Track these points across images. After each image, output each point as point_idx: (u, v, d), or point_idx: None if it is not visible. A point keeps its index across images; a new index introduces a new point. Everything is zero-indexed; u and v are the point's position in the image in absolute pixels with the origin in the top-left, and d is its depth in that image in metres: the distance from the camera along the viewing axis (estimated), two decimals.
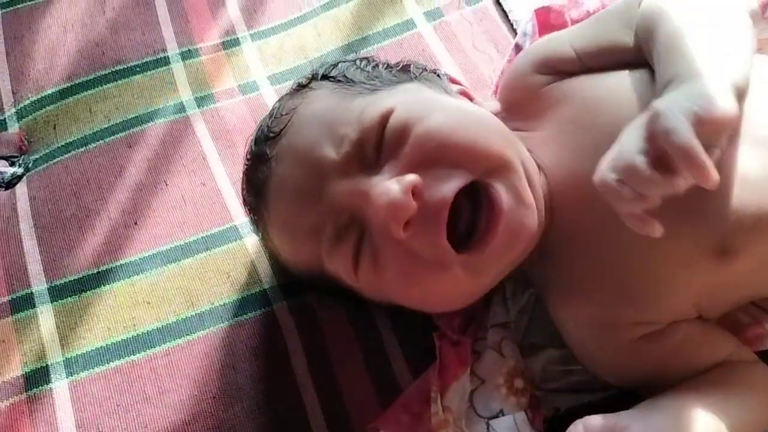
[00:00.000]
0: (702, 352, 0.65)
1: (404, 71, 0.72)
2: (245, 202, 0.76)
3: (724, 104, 0.52)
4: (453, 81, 0.76)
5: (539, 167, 0.68)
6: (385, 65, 0.74)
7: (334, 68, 0.73)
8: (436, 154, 0.61)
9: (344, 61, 0.74)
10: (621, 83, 0.67)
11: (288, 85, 0.92)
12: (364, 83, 0.68)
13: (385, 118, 0.63)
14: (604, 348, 0.66)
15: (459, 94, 0.73)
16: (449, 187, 0.60)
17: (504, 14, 0.95)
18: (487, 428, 0.66)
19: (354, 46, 0.97)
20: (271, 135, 0.68)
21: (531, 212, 0.63)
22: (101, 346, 0.77)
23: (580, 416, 0.66)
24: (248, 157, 0.73)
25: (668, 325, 0.64)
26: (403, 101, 0.64)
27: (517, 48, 0.86)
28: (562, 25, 0.83)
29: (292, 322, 0.77)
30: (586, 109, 0.68)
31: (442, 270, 0.62)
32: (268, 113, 0.74)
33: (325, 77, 0.71)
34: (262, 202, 0.70)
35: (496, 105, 0.75)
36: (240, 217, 0.84)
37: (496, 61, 0.92)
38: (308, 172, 0.64)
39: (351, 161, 0.63)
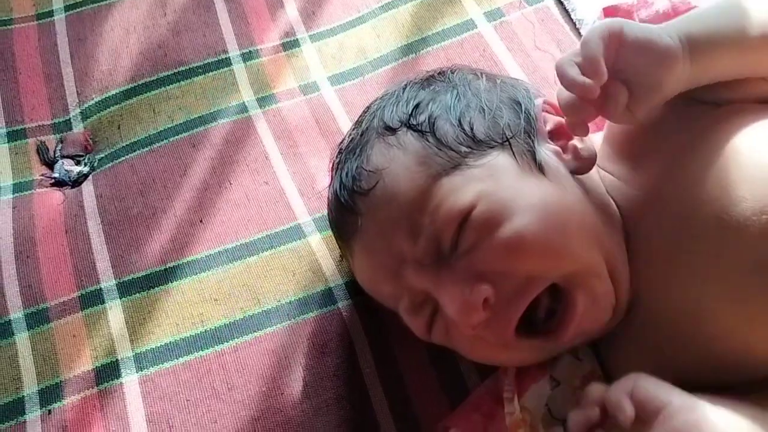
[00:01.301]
0: None
1: (495, 126, 0.67)
2: (331, 225, 0.76)
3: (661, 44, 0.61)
4: (551, 108, 0.71)
5: (629, 235, 0.66)
6: (478, 105, 0.68)
7: (422, 112, 0.68)
8: (514, 263, 0.61)
9: (433, 97, 0.69)
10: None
11: (348, 86, 0.95)
12: (451, 149, 0.64)
13: (466, 214, 0.62)
14: None
15: (556, 128, 0.69)
16: (523, 298, 0.61)
17: (566, 13, 0.95)
18: (564, 430, 0.66)
19: (414, 47, 0.97)
20: (358, 190, 0.67)
21: (606, 311, 0.64)
22: (170, 342, 0.78)
23: None
24: (336, 193, 0.70)
25: None
26: (487, 194, 0.62)
27: None
28: (628, 16, 0.81)
29: (358, 320, 0.77)
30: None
31: (511, 350, 0.65)
32: (350, 139, 0.72)
33: (413, 128, 0.67)
34: (347, 248, 0.72)
35: (593, 148, 0.69)
36: (303, 216, 0.84)
37: None
38: (388, 253, 0.65)
39: (427, 253, 0.63)
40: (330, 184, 0.74)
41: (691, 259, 0.62)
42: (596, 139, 0.78)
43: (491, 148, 0.65)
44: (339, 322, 0.77)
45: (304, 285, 0.80)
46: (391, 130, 0.68)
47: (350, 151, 0.71)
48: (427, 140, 0.66)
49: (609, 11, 0.85)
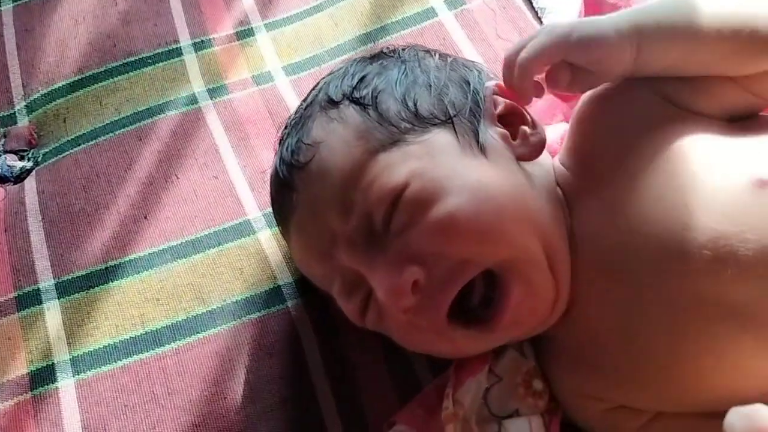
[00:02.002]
0: None
1: (440, 103, 0.64)
2: (272, 204, 0.73)
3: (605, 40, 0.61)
4: (502, 91, 0.68)
5: (573, 234, 0.63)
6: (426, 81, 0.66)
7: (366, 86, 0.65)
8: (447, 244, 0.59)
9: (380, 71, 0.67)
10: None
11: (304, 76, 0.91)
12: (392, 124, 0.62)
13: (398, 192, 0.59)
14: (582, 413, 0.65)
15: (507, 111, 0.66)
16: (454, 282, 0.58)
17: (528, 1, 0.91)
18: (499, 428, 0.62)
19: (372, 36, 0.93)
20: (295, 164, 0.64)
21: (544, 303, 0.61)
22: (109, 344, 0.74)
23: None
24: (275, 168, 0.68)
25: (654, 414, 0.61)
26: (421, 172, 0.59)
27: None
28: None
29: (308, 319, 0.74)
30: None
31: (445, 339, 0.61)
32: (296, 114, 0.69)
33: (355, 101, 0.64)
34: (284, 226, 0.69)
35: (543, 135, 0.66)
36: (253, 211, 0.81)
37: None
38: (320, 232, 0.63)
39: (359, 231, 0.60)
40: (273, 162, 0.70)
41: (631, 278, 0.59)
42: (558, 129, 0.75)
43: (433, 125, 0.63)
44: (287, 321, 0.74)
45: (251, 283, 0.76)
46: (334, 103, 0.65)
47: (294, 125, 0.68)
48: (368, 114, 0.63)
49: (591, 6, 0.81)
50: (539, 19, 0.90)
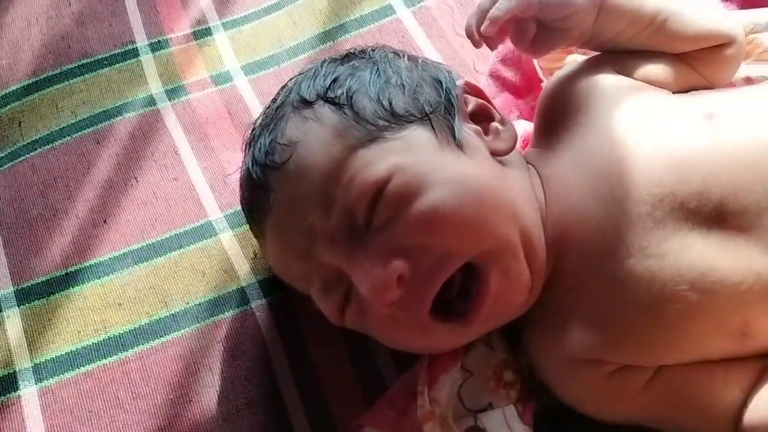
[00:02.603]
0: (702, 392, 0.61)
1: (416, 102, 0.65)
2: (243, 206, 0.72)
3: None
4: (472, 90, 0.70)
5: (546, 207, 0.66)
6: (399, 81, 0.66)
7: (339, 86, 0.66)
8: (430, 237, 0.59)
9: (351, 72, 0.67)
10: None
11: (263, 75, 0.91)
12: (369, 123, 0.62)
13: (380, 187, 0.59)
14: (580, 383, 0.64)
15: (478, 109, 0.68)
16: (438, 275, 0.59)
17: None
18: (475, 421, 0.63)
19: (331, 34, 0.93)
20: (270, 164, 0.64)
21: (521, 291, 0.62)
22: (71, 351, 0.73)
23: (571, 412, 0.64)
24: (248, 170, 0.68)
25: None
26: (402, 167, 0.60)
27: None
28: None
29: (272, 320, 0.74)
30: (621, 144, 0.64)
31: (426, 334, 0.62)
32: (267, 116, 0.69)
33: (330, 101, 0.64)
34: (259, 228, 0.68)
35: (514, 131, 0.69)
36: (215, 212, 0.80)
37: None
38: (299, 231, 0.62)
39: (340, 228, 0.61)
40: (243, 164, 0.70)
41: (604, 233, 0.62)
42: (524, 126, 0.77)
43: (410, 122, 0.63)
44: (252, 323, 0.74)
45: (214, 285, 0.76)
46: (308, 103, 0.65)
47: (264, 126, 0.68)
48: (344, 113, 0.63)
49: None
50: None
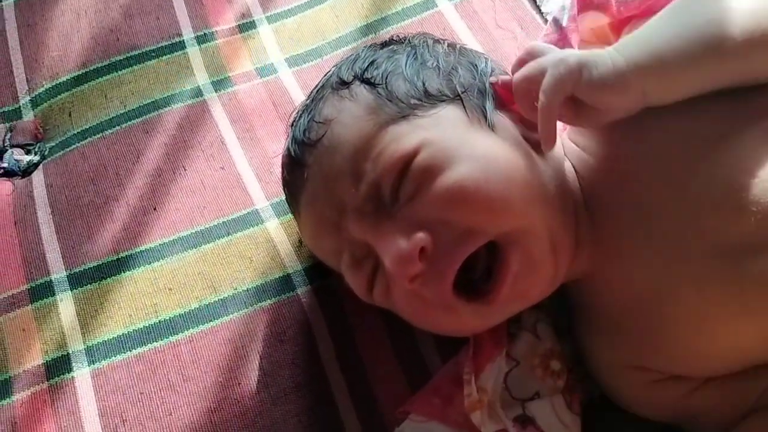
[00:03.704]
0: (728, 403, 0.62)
1: (449, 82, 0.66)
2: (283, 185, 0.74)
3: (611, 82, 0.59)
4: (503, 88, 0.68)
5: (583, 190, 0.65)
6: (435, 64, 0.67)
7: (376, 68, 0.67)
8: (454, 212, 0.60)
9: (390, 55, 0.69)
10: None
11: (306, 67, 0.92)
12: (401, 102, 0.63)
13: (408, 160, 0.60)
14: (624, 385, 0.66)
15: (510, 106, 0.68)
16: (460, 250, 0.59)
17: None
18: (523, 410, 0.64)
19: (373, 27, 0.94)
20: (307, 141, 0.66)
21: (542, 276, 0.62)
22: (123, 334, 0.75)
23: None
24: (287, 148, 0.70)
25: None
26: (430, 141, 0.61)
27: (555, 22, 0.83)
28: (605, 5, 0.77)
29: (317, 306, 0.75)
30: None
31: (450, 313, 0.62)
32: (309, 98, 0.71)
33: (366, 81, 0.66)
34: (295, 205, 0.70)
35: None
36: (261, 201, 0.82)
37: (520, 38, 0.89)
38: (330, 203, 0.64)
39: (368, 200, 0.62)
40: (285, 144, 0.72)
41: (652, 240, 0.61)
42: None
43: (442, 101, 0.64)
44: (298, 308, 0.75)
45: (261, 272, 0.78)
46: (345, 83, 0.67)
47: (305, 107, 0.70)
48: (378, 92, 0.64)
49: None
50: (538, 8, 0.91)
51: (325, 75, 0.73)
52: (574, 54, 0.61)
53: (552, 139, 0.62)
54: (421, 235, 0.59)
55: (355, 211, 0.62)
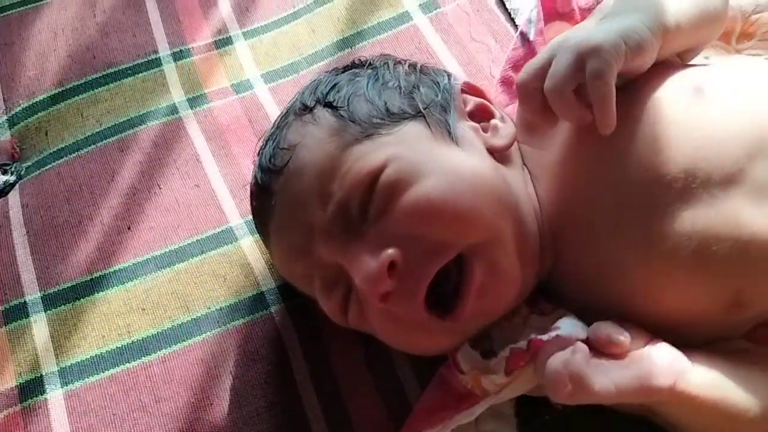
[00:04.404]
0: None
1: (411, 101, 0.66)
2: (252, 214, 0.74)
3: (650, 42, 0.60)
4: (471, 90, 0.71)
5: (540, 204, 0.66)
6: (396, 84, 0.68)
7: (338, 91, 0.68)
8: (422, 226, 0.60)
9: (351, 78, 0.69)
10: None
11: (282, 83, 0.92)
12: (364, 123, 0.64)
13: (374, 177, 0.61)
14: None
15: (477, 109, 0.69)
16: (430, 265, 0.60)
17: (501, 3, 0.93)
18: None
19: (349, 41, 0.94)
20: (273, 168, 0.66)
21: (509, 286, 0.63)
22: (96, 355, 0.75)
23: None
24: (254, 177, 0.70)
25: None
26: (396, 157, 0.61)
27: (522, 36, 0.83)
28: (570, 14, 0.79)
29: (291, 324, 0.75)
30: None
31: (424, 331, 0.62)
32: (273, 126, 0.71)
33: (328, 105, 0.67)
34: (265, 233, 0.70)
35: (513, 128, 0.69)
36: (235, 218, 0.82)
37: (495, 51, 0.89)
38: (299, 228, 0.64)
39: (336, 221, 0.62)
40: (252, 173, 0.72)
41: (600, 214, 0.62)
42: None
43: (405, 119, 0.65)
44: (271, 327, 0.75)
45: (235, 290, 0.78)
46: (308, 108, 0.67)
47: (270, 135, 0.70)
48: (341, 114, 0.65)
49: (547, 2, 0.82)
50: (512, 21, 0.91)
51: (289, 102, 0.73)
52: (604, 34, 0.59)
53: (613, 122, 0.59)
54: (389, 251, 0.59)
55: (323, 233, 0.62)
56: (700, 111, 0.61)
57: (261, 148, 0.71)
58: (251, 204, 0.73)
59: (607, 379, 0.54)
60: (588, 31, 0.61)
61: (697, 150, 0.59)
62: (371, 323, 0.65)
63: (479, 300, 0.60)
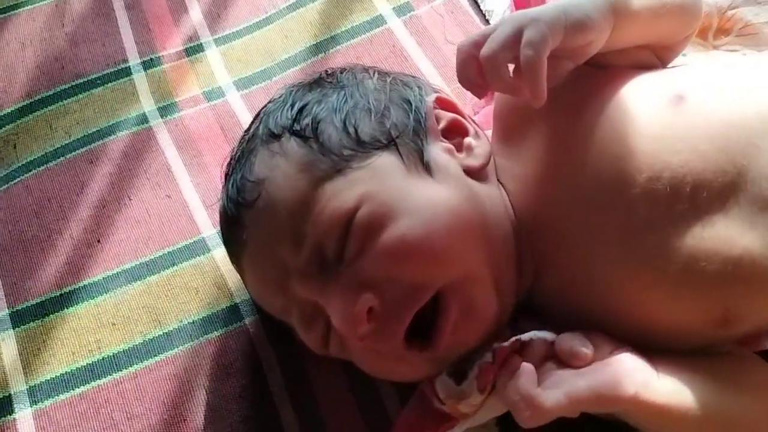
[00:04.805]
0: None
1: (382, 127, 0.64)
2: (222, 239, 0.72)
3: (594, 21, 0.58)
4: (443, 105, 0.68)
5: (517, 218, 0.65)
6: (366, 107, 0.65)
7: (306, 116, 0.65)
8: (399, 269, 0.59)
9: (320, 99, 0.66)
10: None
11: (255, 90, 0.91)
12: (334, 156, 0.61)
13: (349, 218, 0.59)
14: None
15: (450, 125, 0.67)
16: (408, 307, 0.59)
17: (476, 4, 0.92)
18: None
19: (323, 46, 0.93)
20: (242, 202, 0.64)
21: (483, 321, 0.61)
22: (66, 372, 0.73)
23: None
24: (223, 206, 0.68)
25: None
26: (370, 196, 0.59)
27: None
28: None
29: (266, 336, 0.73)
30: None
31: (405, 363, 0.62)
32: (240, 147, 0.68)
33: (296, 134, 0.64)
34: (237, 263, 0.69)
35: (488, 145, 0.67)
36: (207, 228, 0.80)
37: None
38: (273, 265, 0.62)
39: (311, 262, 0.60)
40: (221, 197, 0.70)
41: (581, 228, 0.61)
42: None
43: (376, 149, 0.62)
44: (245, 339, 0.74)
45: (208, 302, 0.76)
46: (276, 136, 0.65)
47: (238, 160, 0.68)
48: (311, 146, 0.62)
49: (520, 3, 0.81)
50: (487, 22, 0.90)
51: (255, 119, 0.70)
52: (548, 8, 0.58)
53: (543, 95, 0.57)
54: (366, 296, 0.58)
55: (299, 274, 0.61)
56: (681, 122, 0.59)
57: (228, 173, 0.69)
58: (221, 227, 0.71)
59: (558, 392, 0.54)
60: (540, 8, 0.59)
61: (682, 164, 0.57)
62: (353, 356, 0.64)
63: (455, 335, 0.60)
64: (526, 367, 0.56)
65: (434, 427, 0.63)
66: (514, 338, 0.59)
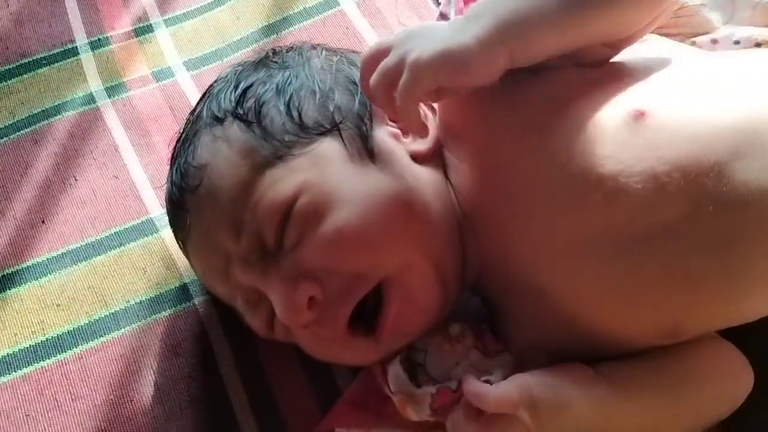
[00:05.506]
0: None
1: (325, 110, 0.62)
2: (170, 224, 0.70)
3: (479, 61, 0.55)
4: None
5: (459, 199, 0.63)
6: (311, 89, 0.63)
7: (250, 98, 0.63)
8: (338, 260, 0.59)
9: (265, 80, 0.65)
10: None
11: (206, 70, 0.89)
12: (276, 140, 0.60)
13: (288, 207, 0.58)
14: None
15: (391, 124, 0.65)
16: (349, 297, 0.58)
17: None
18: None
19: (275, 27, 0.92)
20: (185, 187, 0.63)
21: (425, 311, 0.62)
22: (8, 354, 0.71)
23: None
24: (168, 190, 0.67)
25: None
26: (310, 185, 0.59)
27: (443, 17, 0.82)
28: None
29: (216, 316, 0.72)
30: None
31: (348, 347, 0.62)
32: (185, 130, 0.67)
33: (239, 117, 0.62)
34: (183, 248, 0.68)
35: (434, 129, 0.65)
36: (156, 209, 0.79)
37: None
38: (216, 252, 0.62)
39: (252, 250, 0.60)
40: (167, 180, 0.69)
41: (525, 234, 0.59)
42: None
43: (319, 134, 0.61)
44: (194, 319, 0.72)
45: (156, 282, 0.75)
46: (219, 120, 0.64)
47: (183, 142, 0.66)
48: (253, 131, 0.61)
49: None
50: (438, 3, 0.90)
51: (201, 99, 0.68)
52: (429, 48, 0.55)
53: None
54: (306, 285, 0.58)
55: (240, 261, 0.60)
56: (641, 142, 0.55)
57: (173, 156, 0.67)
58: (168, 214, 0.70)
59: None
60: (429, 39, 0.56)
61: (639, 188, 0.54)
62: (298, 341, 0.64)
63: (397, 323, 0.60)
64: (463, 403, 0.56)
65: (376, 409, 0.64)
66: (484, 378, 0.58)
